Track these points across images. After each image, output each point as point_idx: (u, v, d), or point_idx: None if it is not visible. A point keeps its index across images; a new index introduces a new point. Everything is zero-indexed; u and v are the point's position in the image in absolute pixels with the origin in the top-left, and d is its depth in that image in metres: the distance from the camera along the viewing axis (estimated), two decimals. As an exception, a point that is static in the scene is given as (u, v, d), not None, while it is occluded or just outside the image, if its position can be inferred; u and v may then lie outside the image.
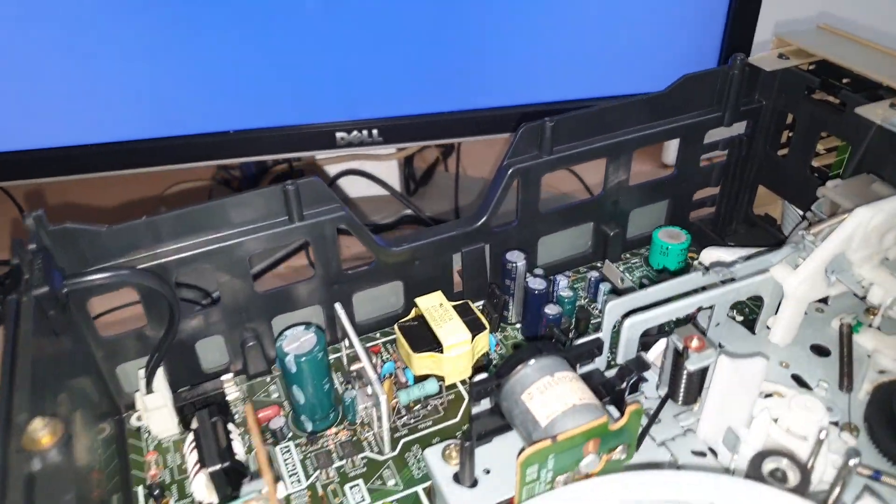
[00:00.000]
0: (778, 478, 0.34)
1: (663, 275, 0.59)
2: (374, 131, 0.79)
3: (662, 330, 0.48)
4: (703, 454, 0.39)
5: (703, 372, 0.40)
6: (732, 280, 0.44)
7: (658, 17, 0.75)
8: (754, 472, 0.34)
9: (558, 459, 0.35)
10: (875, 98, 0.53)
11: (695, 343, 0.39)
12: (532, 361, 0.39)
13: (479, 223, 0.53)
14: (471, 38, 0.75)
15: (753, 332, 0.49)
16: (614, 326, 0.43)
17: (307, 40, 0.72)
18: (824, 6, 0.92)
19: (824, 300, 0.50)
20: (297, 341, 0.43)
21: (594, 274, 0.58)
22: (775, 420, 0.41)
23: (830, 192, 0.49)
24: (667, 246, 0.59)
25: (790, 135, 0.61)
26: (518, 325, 0.55)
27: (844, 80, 0.57)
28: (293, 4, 0.69)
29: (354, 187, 0.90)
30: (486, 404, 0.40)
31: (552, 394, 0.37)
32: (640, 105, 0.56)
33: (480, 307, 0.55)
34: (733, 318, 0.54)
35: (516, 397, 0.38)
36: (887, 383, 0.43)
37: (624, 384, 0.43)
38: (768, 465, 0.34)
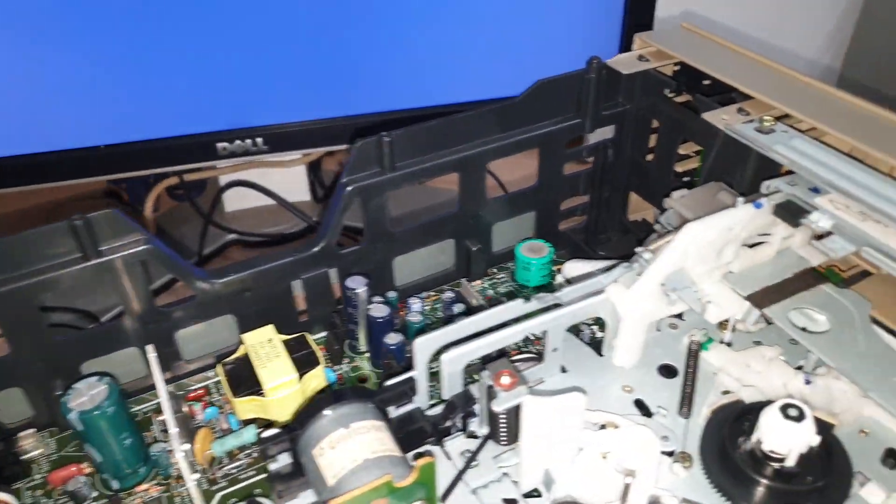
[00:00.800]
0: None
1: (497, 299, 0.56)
2: (259, 140, 0.75)
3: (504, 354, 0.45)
4: (514, 502, 0.36)
5: (514, 417, 0.37)
6: (558, 305, 0.41)
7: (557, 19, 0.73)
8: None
9: (341, 523, 0.31)
10: (729, 102, 0.50)
11: (505, 380, 0.36)
12: (327, 412, 0.35)
13: (319, 247, 0.50)
14: (350, 44, 0.72)
15: (601, 354, 0.46)
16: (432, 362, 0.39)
17: (179, 47, 0.67)
18: (690, 5, 0.91)
19: (679, 315, 0.48)
20: (84, 395, 0.39)
21: (449, 294, 0.54)
22: (605, 456, 0.38)
23: (676, 202, 0.46)
24: (528, 261, 0.56)
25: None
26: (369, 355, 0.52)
27: (705, 83, 0.54)
28: (163, 11, 0.65)
29: (260, 195, 0.86)
30: (287, 458, 0.37)
31: (344, 448, 0.34)
32: (491, 114, 0.52)
33: (325, 338, 0.52)
34: (593, 335, 0.51)
35: (309, 452, 0.35)
36: (723, 407, 0.41)
37: (448, 422, 0.40)
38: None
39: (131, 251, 0.43)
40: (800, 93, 0.49)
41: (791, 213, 0.40)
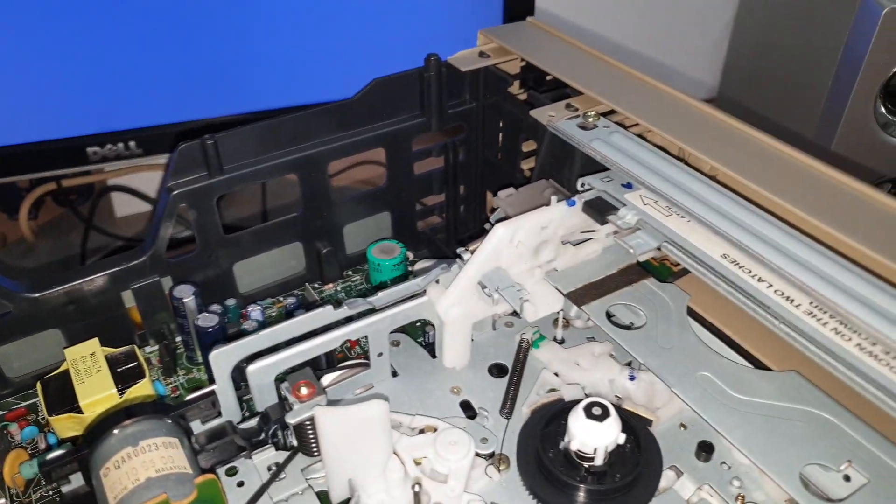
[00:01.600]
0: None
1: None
2: (132, 143, 0.73)
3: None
4: (312, 514, 0.36)
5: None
6: (373, 310, 0.40)
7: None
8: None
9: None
10: (564, 98, 0.51)
11: (303, 391, 0.35)
12: (116, 430, 0.34)
13: (146, 256, 0.48)
14: (222, 43, 0.71)
15: (434, 356, 0.45)
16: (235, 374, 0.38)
17: (39, 49, 0.65)
18: (584, 24, 0.93)
19: (515, 313, 0.48)
20: None
21: (291, 300, 0.53)
22: (419, 461, 0.38)
23: (503, 201, 0.46)
24: (378, 262, 0.55)
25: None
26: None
27: (549, 79, 0.54)
28: (24, 12, 0.62)
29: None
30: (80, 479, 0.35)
31: (128, 467, 0.33)
32: (327, 114, 0.52)
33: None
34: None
35: (97, 473, 0.33)
36: (542, 407, 0.41)
37: (263, 434, 0.39)
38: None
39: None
40: (635, 91, 0.49)
41: (598, 209, 0.41)
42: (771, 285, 0.35)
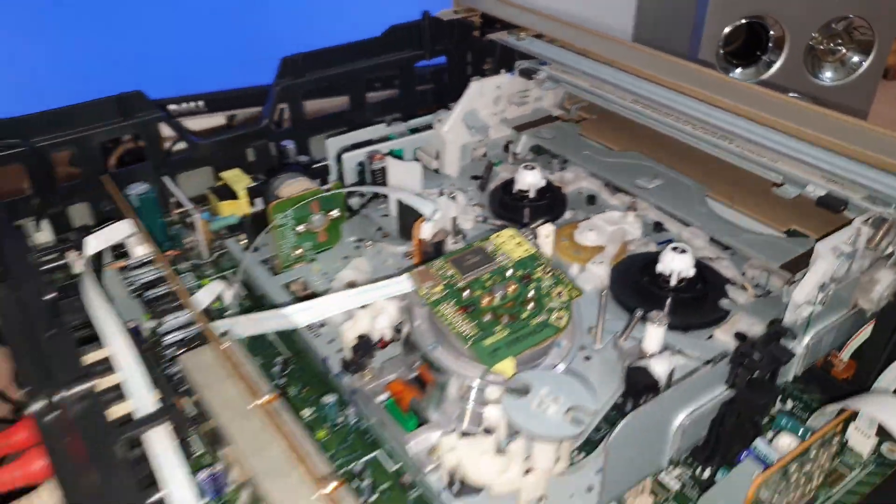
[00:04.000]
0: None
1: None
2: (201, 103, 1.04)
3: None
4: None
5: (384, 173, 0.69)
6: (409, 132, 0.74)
7: None
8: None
9: (295, 211, 0.62)
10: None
11: (377, 156, 0.68)
12: (283, 175, 0.66)
13: (262, 125, 0.81)
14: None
15: (438, 172, 0.78)
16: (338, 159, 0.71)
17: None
18: None
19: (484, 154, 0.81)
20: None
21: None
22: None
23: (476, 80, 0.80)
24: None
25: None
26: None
27: (497, 25, 0.89)
28: None
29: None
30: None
31: (289, 188, 0.65)
32: (363, 45, 0.85)
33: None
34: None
35: (272, 193, 0.66)
36: (501, 183, 0.74)
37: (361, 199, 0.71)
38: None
39: None
40: (555, 26, 0.84)
41: (527, 73, 0.75)
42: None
